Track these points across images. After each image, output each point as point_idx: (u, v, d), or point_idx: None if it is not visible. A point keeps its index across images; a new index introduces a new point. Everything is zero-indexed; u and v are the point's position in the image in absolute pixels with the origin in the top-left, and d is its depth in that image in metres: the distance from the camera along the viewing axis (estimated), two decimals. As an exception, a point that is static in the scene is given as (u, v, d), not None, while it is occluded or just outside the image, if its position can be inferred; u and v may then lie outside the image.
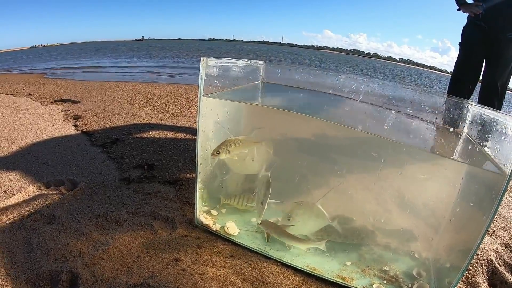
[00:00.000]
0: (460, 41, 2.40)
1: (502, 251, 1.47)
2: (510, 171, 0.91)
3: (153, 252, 1.23)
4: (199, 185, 1.28)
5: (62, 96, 3.21)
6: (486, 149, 1.12)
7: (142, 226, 1.36)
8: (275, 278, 1.15)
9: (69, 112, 2.64)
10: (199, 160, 1.25)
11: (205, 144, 1.27)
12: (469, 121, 1.29)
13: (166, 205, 1.44)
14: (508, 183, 0.91)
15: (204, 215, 1.32)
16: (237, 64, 1.38)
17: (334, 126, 1.19)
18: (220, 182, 1.40)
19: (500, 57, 2.19)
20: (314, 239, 1.28)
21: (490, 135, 1.13)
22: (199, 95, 1.24)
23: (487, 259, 1.39)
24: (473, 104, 1.24)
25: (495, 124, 1.09)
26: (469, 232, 1.09)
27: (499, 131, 1.05)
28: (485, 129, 1.18)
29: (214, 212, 1.36)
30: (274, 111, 1.30)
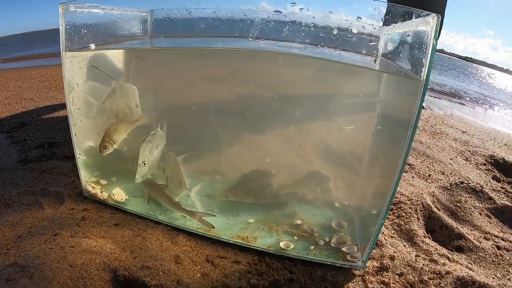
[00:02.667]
0: None
1: (440, 194, 1.36)
2: (425, 75, 0.80)
3: (35, 231, 1.15)
4: (77, 150, 1.18)
5: (-23, 91, 3.14)
6: (401, 63, 1.01)
7: (30, 205, 1.27)
8: (159, 244, 1.06)
9: (-19, 105, 2.57)
10: (72, 121, 1.14)
11: (76, 102, 1.16)
12: (383, 43, 1.16)
13: (58, 180, 1.35)
14: (425, 89, 0.80)
15: (92, 185, 1.23)
16: (112, 12, 1.24)
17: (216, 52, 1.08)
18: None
19: (429, 8, 2.09)
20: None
21: (404, 49, 1.02)
22: (61, 50, 1.12)
23: (422, 204, 1.29)
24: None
25: (406, 36, 0.97)
26: (389, 164, 0.97)
27: (411, 42, 0.94)
28: (398, 45, 1.06)
29: (103, 181, 1.26)
30: (152, 51, 1.18)
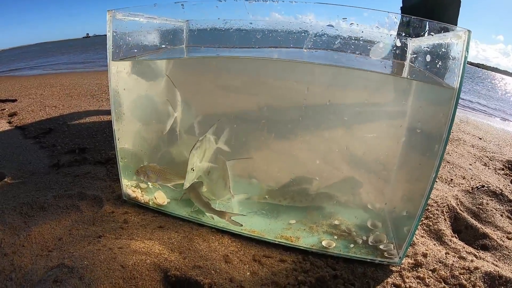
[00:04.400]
0: (401, 5, 2.41)
1: (463, 197, 1.44)
2: (458, 83, 0.86)
3: (76, 233, 1.17)
4: (120, 154, 1.22)
5: (-1, 97, 3.16)
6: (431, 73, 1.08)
7: (68, 208, 1.29)
8: (207, 245, 1.09)
9: (5, 111, 2.59)
10: (116, 126, 1.19)
11: (120, 108, 1.21)
12: (411, 54, 1.25)
13: (94, 184, 1.37)
14: (458, 98, 0.87)
15: (132, 188, 1.26)
16: (154, 20, 1.31)
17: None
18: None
19: (442, 20, 2.21)
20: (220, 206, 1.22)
21: (433, 61, 1.10)
22: (108, 54, 1.17)
23: (448, 206, 1.36)
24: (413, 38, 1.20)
25: (435, 49, 1.05)
26: (423, 168, 1.04)
27: (440, 55, 1.02)
28: (428, 57, 1.15)
29: (143, 185, 1.29)
30: (197, 61, 1.24)
